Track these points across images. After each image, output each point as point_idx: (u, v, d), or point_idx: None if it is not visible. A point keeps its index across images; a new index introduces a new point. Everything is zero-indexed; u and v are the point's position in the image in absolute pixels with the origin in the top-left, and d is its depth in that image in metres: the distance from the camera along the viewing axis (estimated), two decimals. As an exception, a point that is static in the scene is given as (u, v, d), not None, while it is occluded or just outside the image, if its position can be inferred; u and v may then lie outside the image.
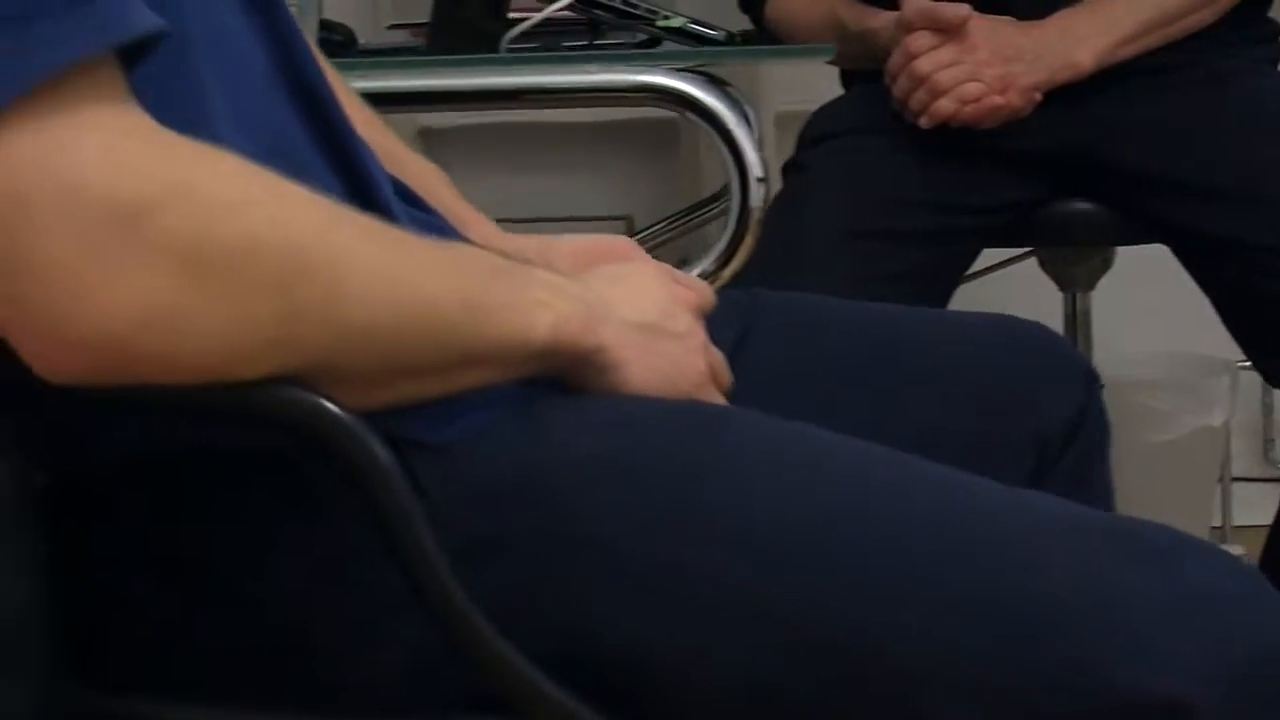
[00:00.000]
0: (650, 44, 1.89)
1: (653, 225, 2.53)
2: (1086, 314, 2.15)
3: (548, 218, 2.87)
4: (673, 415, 0.95)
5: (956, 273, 1.94)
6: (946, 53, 1.84)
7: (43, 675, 0.82)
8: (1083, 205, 1.95)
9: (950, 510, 0.90)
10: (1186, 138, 1.88)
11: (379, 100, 1.23)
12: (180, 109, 0.85)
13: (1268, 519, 2.00)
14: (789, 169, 1.97)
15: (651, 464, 0.91)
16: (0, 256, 0.78)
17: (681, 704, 0.90)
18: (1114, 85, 1.89)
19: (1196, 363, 2.52)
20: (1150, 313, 2.52)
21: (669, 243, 2.58)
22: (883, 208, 1.86)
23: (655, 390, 0.98)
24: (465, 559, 0.87)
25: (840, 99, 2.06)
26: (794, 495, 0.91)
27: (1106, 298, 2.24)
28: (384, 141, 1.14)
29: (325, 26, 1.98)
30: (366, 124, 1.12)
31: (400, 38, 2.22)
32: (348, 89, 1.14)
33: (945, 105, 1.83)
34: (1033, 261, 2.18)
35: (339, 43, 2.04)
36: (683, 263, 2.83)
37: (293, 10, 1.08)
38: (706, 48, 1.76)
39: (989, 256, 2.07)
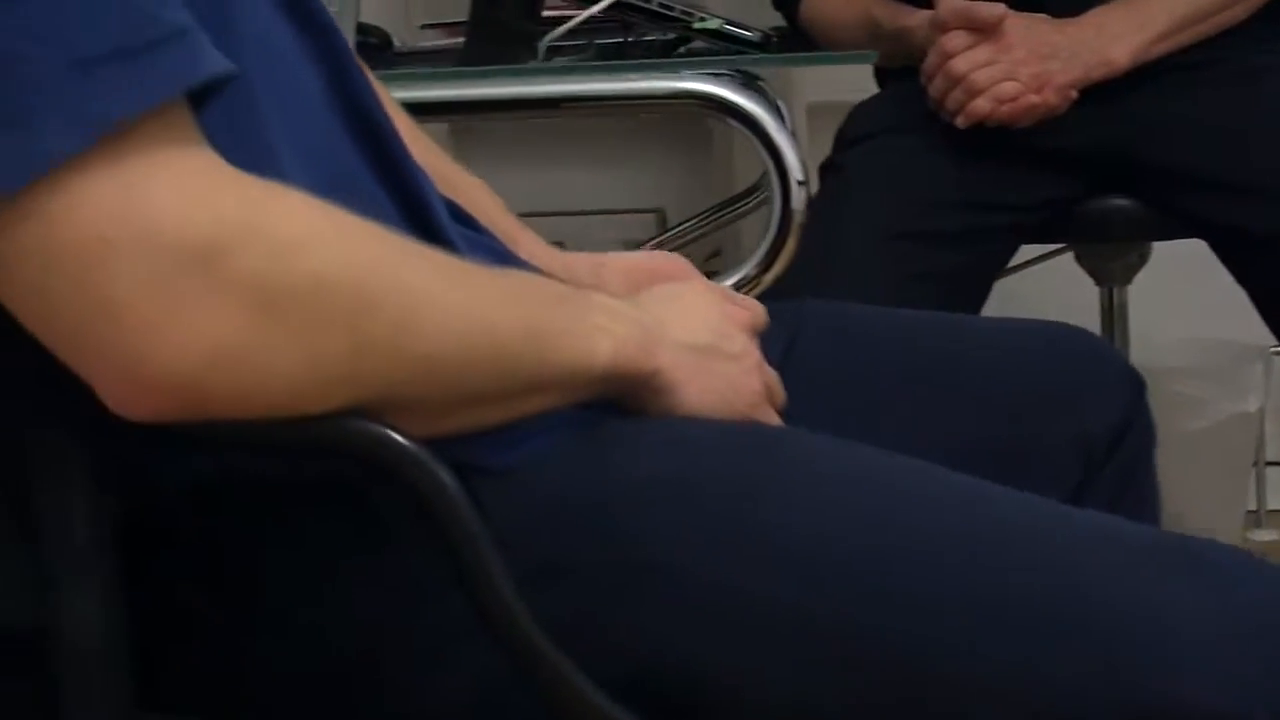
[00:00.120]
0: (680, 42, 1.90)
1: (686, 221, 2.54)
2: (1123, 308, 2.16)
3: (580, 211, 2.88)
4: (729, 437, 0.97)
5: (994, 271, 1.95)
6: (982, 52, 1.85)
7: (125, 705, 0.84)
8: (1119, 201, 1.95)
9: (1008, 529, 0.92)
10: (1220, 133, 1.89)
11: (417, 110, 1.24)
12: (244, 145, 0.87)
13: (1302, 503, 2.01)
14: (826, 169, 1.99)
15: (709, 486, 0.93)
16: (76, 297, 0.79)
17: None
18: (1149, 82, 1.89)
19: (1230, 349, 2.52)
20: (1183, 299, 2.52)
21: (703, 238, 2.60)
22: (921, 208, 1.87)
23: (711, 410, 0.99)
24: (529, 583, 0.89)
25: (876, 98, 2.06)
26: (850, 516, 0.92)
27: (1140, 286, 2.24)
28: (433, 161, 1.16)
29: (361, 30, 1.99)
30: (415, 142, 1.13)
31: (433, 37, 2.24)
32: (397, 107, 1.16)
33: (982, 105, 1.84)
34: (1069, 256, 2.18)
35: (375, 46, 2.06)
36: (715, 254, 2.85)
37: (332, 11, 1.09)
38: (746, 55, 1.77)
39: (1025, 252, 2.07)
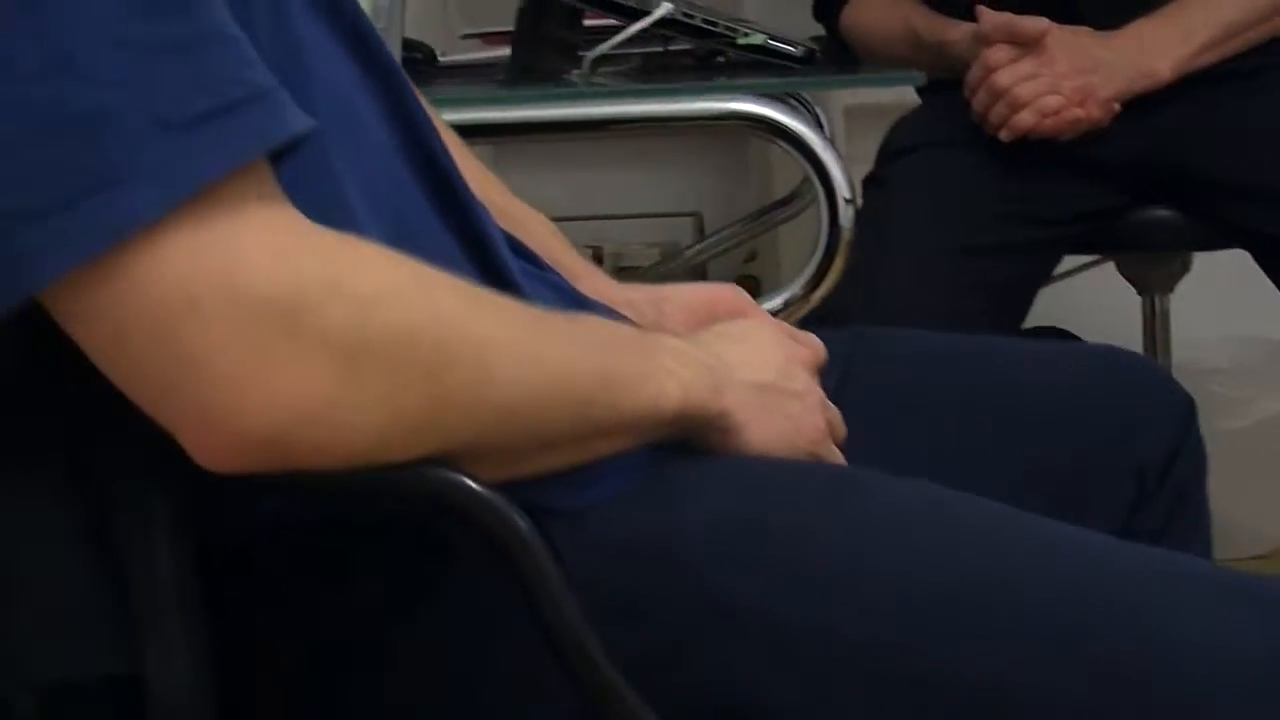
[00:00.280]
0: (711, 56, 1.90)
1: (725, 228, 2.55)
2: (1165, 316, 2.17)
3: (617, 214, 2.89)
4: (795, 478, 0.98)
5: (1039, 281, 1.97)
6: (1025, 66, 1.86)
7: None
8: (1161, 212, 1.96)
9: (1080, 569, 0.93)
10: (1266, 143, 1.90)
11: (464, 131, 1.25)
12: (319, 197, 0.88)
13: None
14: (870, 183, 2.00)
15: (776, 526, 0.94)
16: (163, 354, 0.81)
17: None
18: (1192, 92, 1.90)
19: (1266, 348, 2.53)
20: (1222, 299, 2.53)
21: (741, 245, 2.61)
22: (965, 222, 1.88)
23: (776, 449, 1.01)
24: (602, 622, 0.90)
25: (918, 110, 2.08)
26: (918, 555, 0.93)
27: (1179, 286, 2.25)
28: (493, 195, 1.17)
29: (406, 46, 2.01)
30: (474, 176, 1.14)
31: (475, 46, 2.25)
32: (458, 143, 1.17)
33: (1025, 119, 1.85)
34: (1111, 264, 2.19)
35: (420, 61, 2.07)
36: (751, 258, 2.87)
37: (379, 27, 1.10)
38: (794, 78, 1.78)
39: (1067, 261, 2.08)
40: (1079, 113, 1.86)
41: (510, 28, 1.98)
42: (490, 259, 1.02)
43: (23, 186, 0.79)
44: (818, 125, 1.77)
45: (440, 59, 2.14)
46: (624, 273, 2.73)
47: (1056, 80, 1.86)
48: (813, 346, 1.08)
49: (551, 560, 0.89)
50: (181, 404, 0.82)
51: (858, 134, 2.45)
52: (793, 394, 1.04)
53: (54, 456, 0.87)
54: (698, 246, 2.60)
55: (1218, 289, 2.43)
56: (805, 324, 1.65)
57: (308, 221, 0.85)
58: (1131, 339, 2.19)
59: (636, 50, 1.92)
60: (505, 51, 1.99)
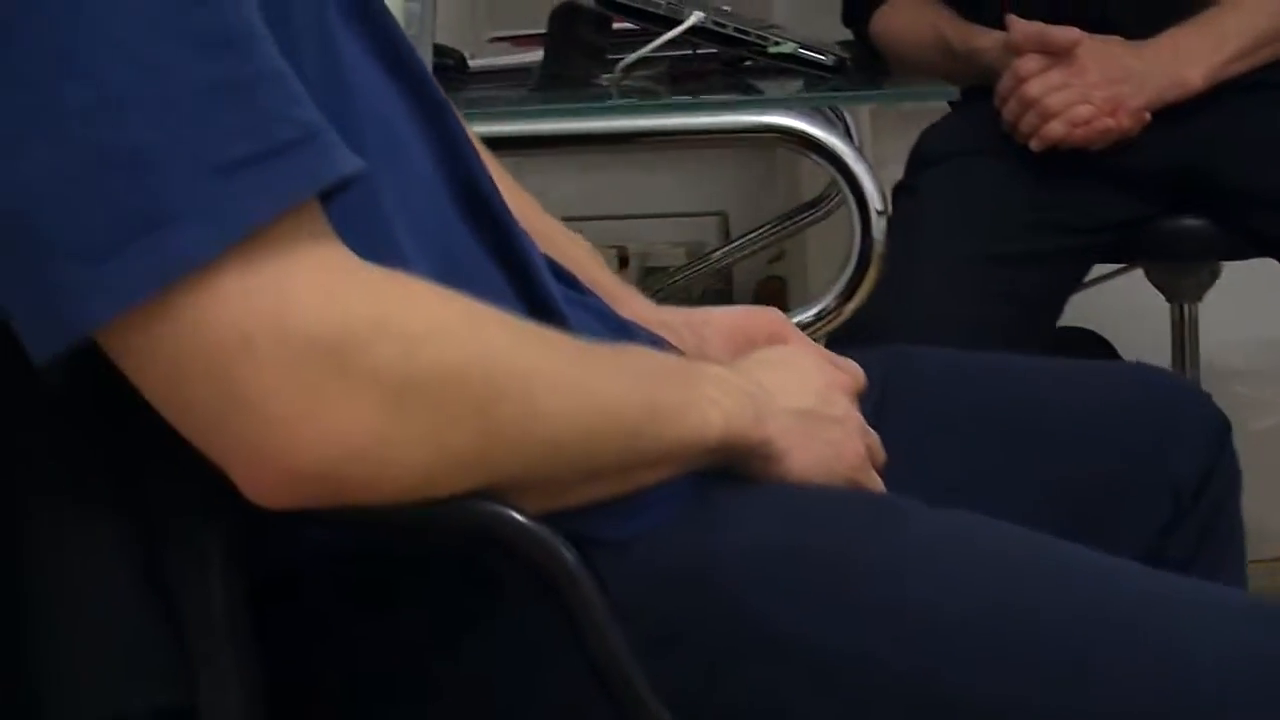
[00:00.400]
0: (740, 60, 1.91)
1: (751, 231, 2.55)
2: (1194, 323, 2.17)
3: (643, 214, 2.89)
4: (836, 505, 0.99)
5: (1068, 290, 1.97)
6: (1056, 75, 1.86)
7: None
8: (1191, 221, 1.97)
9: (1118, 597, 0.94)
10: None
11: (493, 144, 1.25)
12: (369, 235, 0.89)
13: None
14: (900, 191, 2.00)
15: (817, 554, 0.95)
16: (215, 393, 0.82)
17: None
18: (1224, 101, 1.90)
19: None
20: (1247, 301, 2.53)
21: (767, 247, 2.61)
22: (995, 231, 1.89)
23: (816, 476, 1.01)
24: (646, 651, 0.91)
25: (948, 119, 2.08)
26: (958, 584, 0.94)
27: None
28: (535, 220, 1.18)
29: (437, 52, 2.01)
30: (517, 202, 1.15)
31: (503, 49, 2.26)
32: (501, 171, 1.18)
33: (1056, 128, 1.86)
34: (1139, 272, 2.19)
35: (451, 67, 2.08)
36: (778, 258, 2.87)
37: (410, 34, 1.11)
38: (827, 92, 1.78)
39: (1096, 269, 2.08)
40: (1110, 122, 1.86)
41: (537, 30, 1.99)
42: (535, 289, 1.02)
43: (73, 227, 0.80)
44: (847, 134, 1.77)
45: (470, 64, 2.14)
46: (651, 273, 2.74)
47: (1087, 90, 1.86)
48: (852, 372, 1.09)
49: (597, 591, 0.90)
50: (234, 441, 0.83)
51: (885, 134, 2.45)
52: (833, 420, 1.04)
53: (107, 492, 0.88)
54: (725, 249, 2.61)
55: (1245, 292, 2.44)
56: (837, 333, 1.66)
57: (358, 260, 0.85)
58: (1160, 345, 2.19)
59: (665, 54, 1.92)
60: (535, 54, 1.99)
